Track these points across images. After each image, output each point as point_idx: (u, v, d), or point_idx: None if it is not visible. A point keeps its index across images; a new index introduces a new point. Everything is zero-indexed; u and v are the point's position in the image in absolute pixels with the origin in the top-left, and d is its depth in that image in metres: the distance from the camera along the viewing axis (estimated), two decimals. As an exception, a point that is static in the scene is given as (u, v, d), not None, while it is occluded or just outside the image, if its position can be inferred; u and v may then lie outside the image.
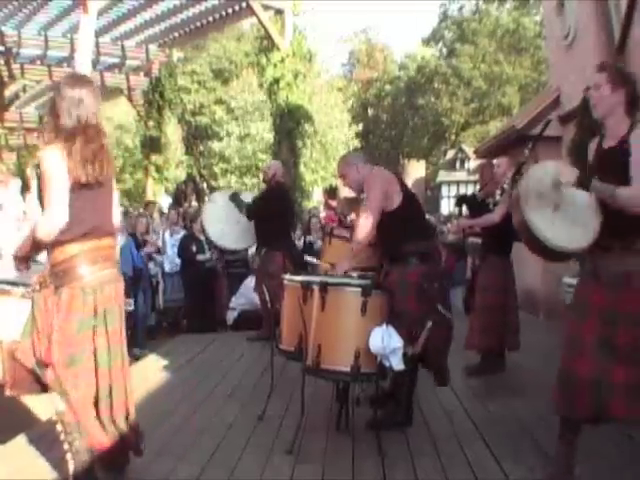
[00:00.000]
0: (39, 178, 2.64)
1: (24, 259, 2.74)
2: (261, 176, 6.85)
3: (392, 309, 3.34)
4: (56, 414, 2.66)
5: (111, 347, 2.66)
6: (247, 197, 6.36)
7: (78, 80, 2.72)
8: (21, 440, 3.32)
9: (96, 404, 2.62)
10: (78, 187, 2.56)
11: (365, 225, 3.47)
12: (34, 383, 2.68)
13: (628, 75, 2.70)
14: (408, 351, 3.27)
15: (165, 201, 12.67)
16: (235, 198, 6.26)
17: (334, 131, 21.42)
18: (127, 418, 2.74)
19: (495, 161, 5.31)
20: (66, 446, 2.63)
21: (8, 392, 2.79)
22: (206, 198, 9.02)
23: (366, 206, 3.50)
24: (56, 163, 2.52)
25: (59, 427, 2.65)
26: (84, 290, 2.57)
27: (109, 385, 2.64)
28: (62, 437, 2.64)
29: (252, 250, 7.42)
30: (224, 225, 6.36)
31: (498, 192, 4.90)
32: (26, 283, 2.86)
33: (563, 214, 2.71)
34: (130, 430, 2.75)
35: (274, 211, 5.96)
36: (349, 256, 3.58)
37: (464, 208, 5.27)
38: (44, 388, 2.68)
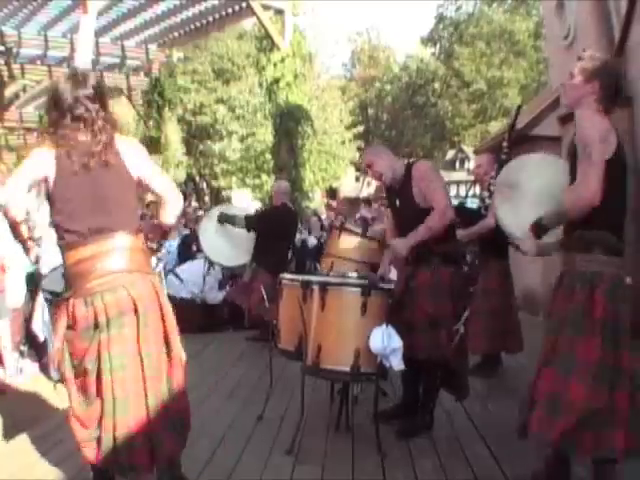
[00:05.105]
0: None
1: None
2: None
3: (423, 312, 3.35)
4: None
5: (114, 354, 2.33)
6: (233, 210, 6.35)
7: None
8: (23, 439, 3.31)
9: (100, 419, 2.33)
10: None
11: (444, 213, 3.40)
12: None
13: (605, 67, 2.53)
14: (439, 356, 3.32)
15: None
16: (223, 218, 6.21)
17: (334, 132, 21.36)
18: (146, 436, 2.35)
19: (476, 159, 5.10)
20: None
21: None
22: (206, 198, 8.91)
23: (436, 200, 3.40)
24: None
25: None
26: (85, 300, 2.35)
27: (112, 398, 2.30)
28: None
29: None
30: (221, 242, 6.33)
31: (486, 194, 4.60)
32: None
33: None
34: (143, 449, 2.34)
35: (276, 230, 5.96)
36: (411, 239, 3.41)
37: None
38: None
